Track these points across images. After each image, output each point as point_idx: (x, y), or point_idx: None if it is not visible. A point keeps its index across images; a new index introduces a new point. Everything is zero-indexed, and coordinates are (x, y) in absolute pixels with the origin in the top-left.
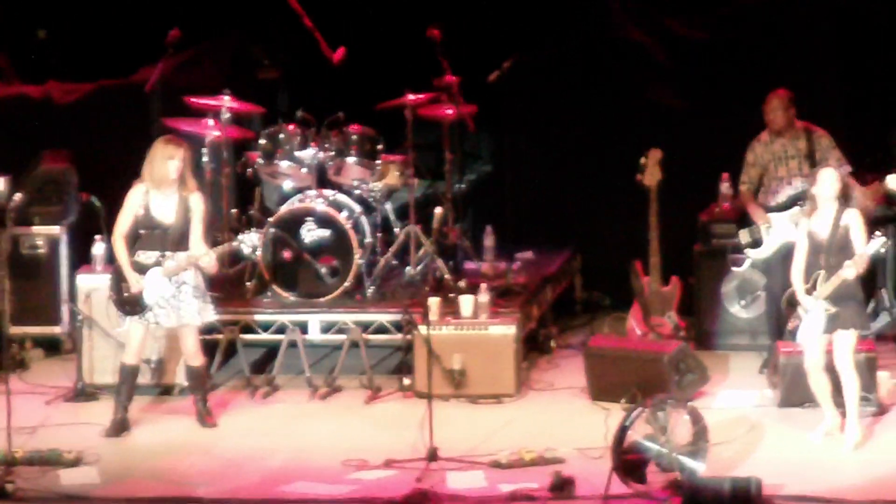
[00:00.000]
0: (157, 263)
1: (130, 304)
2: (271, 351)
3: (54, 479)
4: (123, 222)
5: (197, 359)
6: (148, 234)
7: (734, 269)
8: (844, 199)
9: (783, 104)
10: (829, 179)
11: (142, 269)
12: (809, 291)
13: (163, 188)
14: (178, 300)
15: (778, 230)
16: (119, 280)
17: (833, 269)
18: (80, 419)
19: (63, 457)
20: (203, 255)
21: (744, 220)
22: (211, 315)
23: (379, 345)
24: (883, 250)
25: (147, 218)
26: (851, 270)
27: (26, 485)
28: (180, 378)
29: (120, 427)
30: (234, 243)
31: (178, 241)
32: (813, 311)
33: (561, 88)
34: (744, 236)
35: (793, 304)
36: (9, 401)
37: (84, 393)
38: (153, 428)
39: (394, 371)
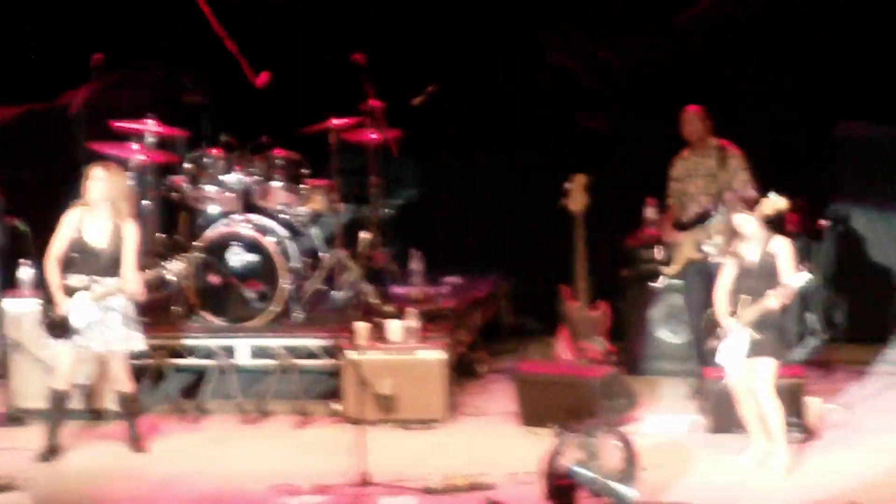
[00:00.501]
0: (86, 288)
1: (58, 328)
2: (200, 375)
3: None
4: (57, 244)
5: (126, 385)
6: (79, 258)
7: (654, 288)
8: (771, 225)
9: (698, 118)
10: (745, 222)
11: (71, 293)
12: (732, 314)
13: (93, 211)
14: (106, 326)
15: (683, 248)
16: (48, 302)
17: (757, 293)
18: (9, 444)
19: None
20: (130, 281)
21: (660, 238)
22: (139, 342)
23: (309, 370)
24: (806, 285)
25: (79, 241)
26: (774, 301)
27: None
28: (111, 403)
29: (51, 453)
30: (160, 270)
31: (109, 266)
32: (736, 335)
33: (486, 113)
34: (658, 253)
35: (711, 325)
36: None
37: (13, 418)
38: (84, 453)
39: (324, 396)
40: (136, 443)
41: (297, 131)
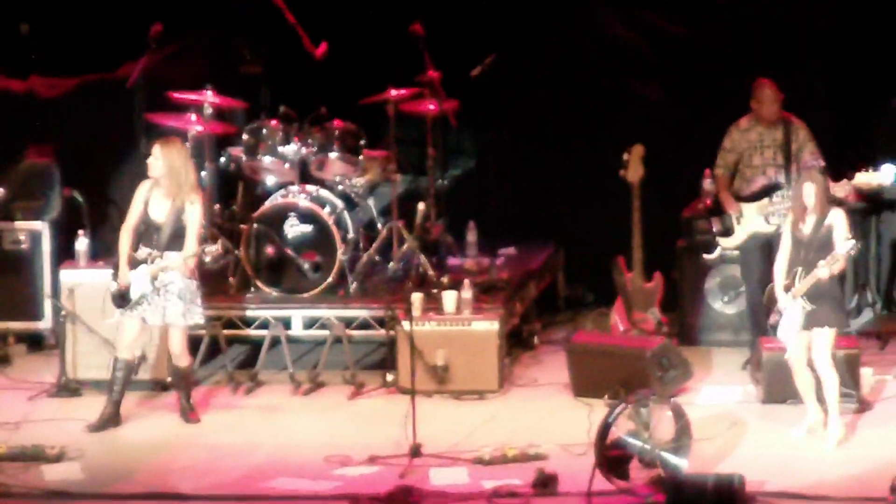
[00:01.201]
0: (145, 261)
1: (118, 297)
2: (255, 347)
3: (37, 474)
4: (130, 216)
5: (183, 359)
6: (145, 231)
7: (708, 259)
8: (828, 198)
9: (775, 94)
10: (809, 192)
11: (136, 264)
12: (789, 287)
13: (159, 187)
14: (164, 300)
15: (747, 220)
16: (115, 272)
17: (812, 266)
18: (63, 415)
19: (46, 453)
20: (177, 258)
21: (717, 208)
22: (198, 318)
23: (362, 340)
24: (853, 253)
25: (145, 215)
26: (825, 270)
27: (9, 480)
28: (162, 373)
29: (107, 422)
30: (209, 248)
31: (168, 241)
32: (791, 308)
33: (544, 84)
34: (715, 224)
35: (773, 299)
36: None
37: (67, 388)
38: (137, 424)
39: (377, 367)
40: (189, 414)
41: (354, 102)
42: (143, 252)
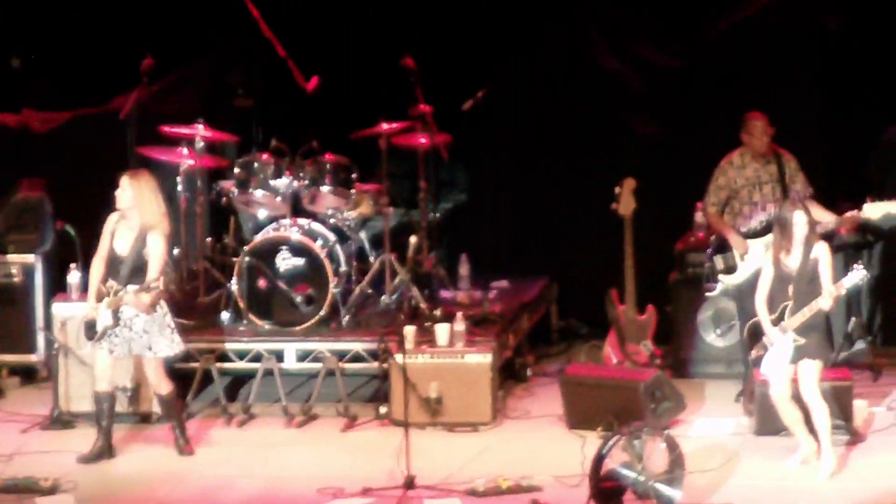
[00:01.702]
0: (108, 294)
1: (87, 329)
2: (247, 379)
3: None
4: (100, 248)
5: (162, 387)
6: (111, 264)
7: (709, 296)
8: (812, 230)
9: (766, 127)
10: (800, 223)
11: (100, 297)
12: (776, 322)
13: (125, 219)
14: (129, 333)
15: (752, 257)
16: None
17: (802, 299)
18: (56, 447)
19: (39, 484)
20: (131, 292)
21: (719, 246)
22: (167, 350)
23: (355, 373)
24: (861, 283)
25: (112, 247)
26: (828, 301)
27: None
28: (156, 406)
29: (99, 454)
30: (157, 285)
31: (129, 275)
32: (780, 342)
33: (536, 117)
34: (718, 262)
35: (756, 334)
36: None
37: (60, 421)
38: (129, 456)
39: (370, 399)
40: (184, 446)
41: (346, 136)
42: (110, 284)
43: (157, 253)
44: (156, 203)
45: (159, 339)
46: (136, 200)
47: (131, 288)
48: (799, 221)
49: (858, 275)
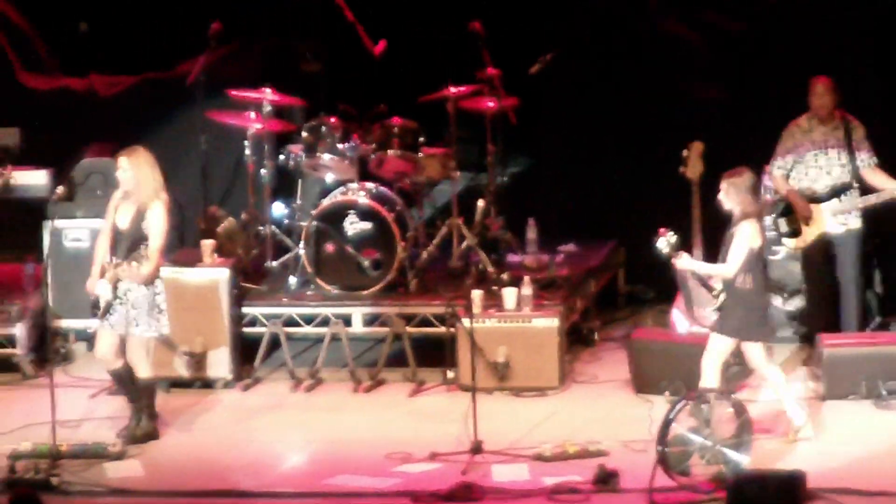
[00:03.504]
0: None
1: (92, 307)
2: (315, 344)
3: (99, 472)
4: (104, 225)
5: (140, 369)
6: (114, 240)
7: (773, 259)
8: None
9: (830, 90)
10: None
11: (102, 273)
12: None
13: (127, 195)
14: (125, 308)
15: (817, 221)
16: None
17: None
18: (123, 413)
19: (107, 450)
20: (127, 264)
21: (784, 209)
22: (153, 331)
23: (422, 337)
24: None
25: (114, 224)
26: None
27: (71, 478)
28: (221, 371)
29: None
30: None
31: (128, 250)
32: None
33: (603, 80)
34: (783, 225)
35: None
36: (53, 394)
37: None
38: (195, 421)
39: (437, 364)
40: (132, 432)
41: (413, 100)
42: (107, 261)
43: (157, 225)
44: (153, 178)
45: (146, 318)
46: (137, 178)
47: (125, 264)
48: (724, 190)
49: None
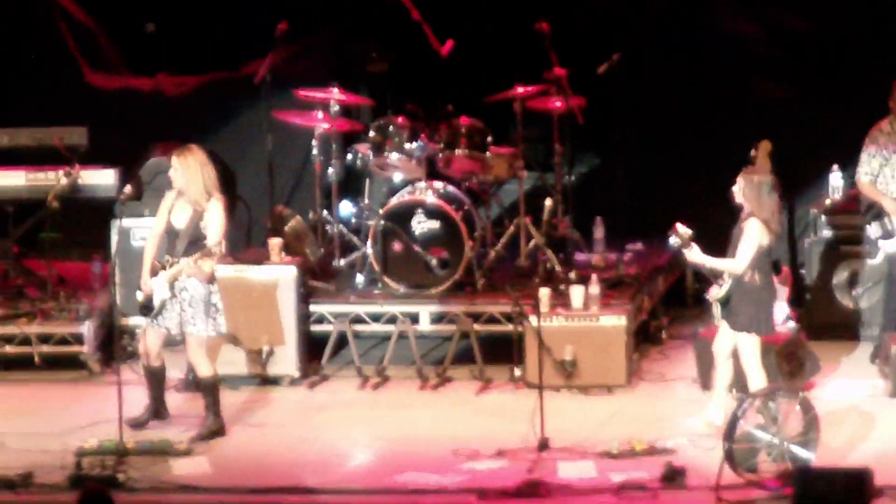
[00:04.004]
0: (163, 267)
1: (143, 307)
2: (382, 342)
3: (165, 469)
4: (155, 225)
5: (201, 368)
6: (168, 239)
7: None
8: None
9: None
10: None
11: (154, 272)
12: None
13: (181, 195)
14: (179, 307)
15: None
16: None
17: None
18: (190, 410)
19: (174, 447)
20: (185, 262)
21: (875, 213)
22: (210, 329)
23: (489, 335)
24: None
25: (169, 223)
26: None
27: (138, 475)
28: (288, 369)
29: (147, 419)
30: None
31: (186, 248)
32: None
33: (670, 79)
34: (875, 229)
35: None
36: (120, 391)
37: (194, 383)
38: (260, 418)
39: (504, 362)
40: (209, 432)
41: (481, 99)
42: (163, 260)
43: (216, 221)
44: (203, 178)
45: (203, 316)
46: (188, 178)
47: (188, 259)
48: (738, 185)
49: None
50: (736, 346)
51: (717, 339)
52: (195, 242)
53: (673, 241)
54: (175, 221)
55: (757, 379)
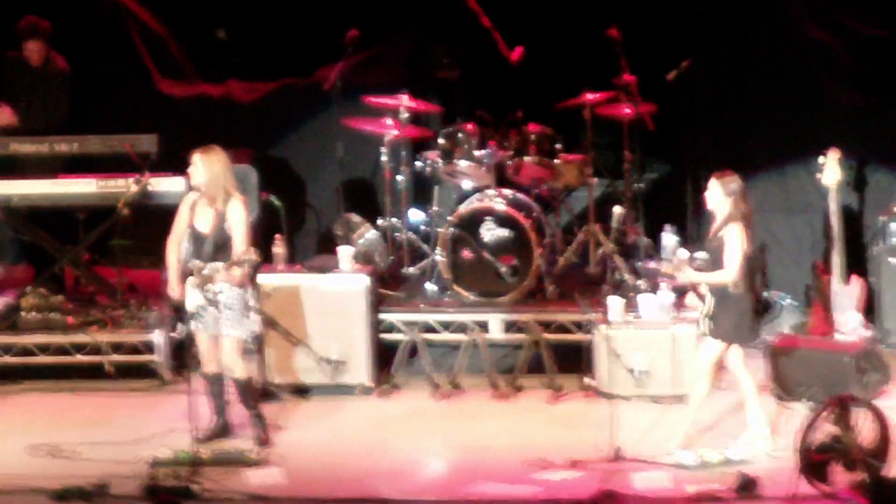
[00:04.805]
0: (192, 272)
1: (178, 311)
2: (452, 350)
3: (239, 479)
4: (175, 229)
5: (236, 369)
6: (194, 243)
7: None
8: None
9: None
10: (712, 192)
11: (183, 277)
12: None
13: (202, 196)
14: (216, 310)
15: None
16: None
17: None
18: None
19: (248, 457)
20: (221, 268)
21: None
22: (248, 330)
23: (560, 344)
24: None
25: (191, 226)
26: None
27: (212, 485)
28: (359, 378)
29: (217, 433)
30: (249, 257)
31: (213, 251)
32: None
33: (740, 86)
34: None
35: None
36: (193, 400)
37: (267, 393)
38: (332, 427)
39: (575, 370)
40: (260, 435)
41: (550, 106)
42: (193, 264)
43: (240, 225)
44: (230, 177)
45: (240, 318)
46: (211, 177)
47: (217, 264)
48: (711, 189)
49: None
50: (720, 357)
51: (701, 353)
52: (222, 245)
53: (665, 267)
54: (198, 225)
55: (749, 387)
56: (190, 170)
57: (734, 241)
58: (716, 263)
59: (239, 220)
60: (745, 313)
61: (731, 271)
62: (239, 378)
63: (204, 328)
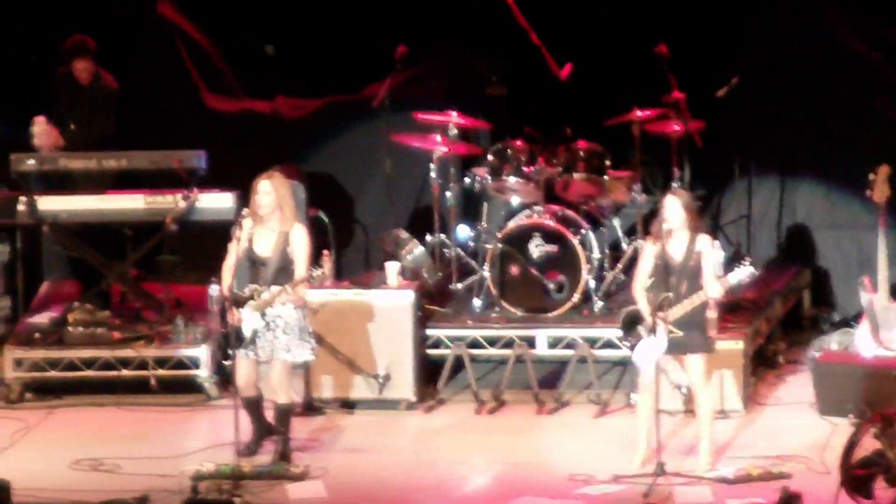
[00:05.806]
0: (251, 297)
1: (231, 337)
2: (499, 366)
3: (281, 493)
4: (231, 254)
5: (281, 395)
6: (251, 268)
7: None
8: (695, 226)
9: None
10: (672, 208)
11: (239, 303)
12: (654, 311)
13: (262, 221)
14: (273, 334)
15: None
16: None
17: (683, 293)
18: (307, 434)
19: (290, 471)
20: (285, 287)
21: None
22: (304, 355)
23: (607, 360)
24: (747, 280)
25: (249, 251)
26: (717, 289)
27: (254, 499)
28: (404, 393)
29: (249, 450)
30: (315, 273)
31: (275, 275)
32: (658, 333)
33: (787, 103)
34: None
35: (633, 322)
36: (236, 415)
37: (311, 407)
38: (379, 443)
39: (621, 386)
40: (282, 457)
41: (599, 123)
42: (248, 289)
43: (303, 248)
44: (293, 201)
45: (298, 342)
46: (280, 200)
47: (277, 288)
48: (671, 206)
49: (745, 271)
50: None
51: (689, 372)
52: (284, 269)
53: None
54: (258, 249)
55: (708, 399)
56: (256, 197)
57: (714, 252)
58: (696, 277)
59: (303, 243)
60: (703, 323)
61: (722, 284)
62: (282, 403)
63: (255, 354)
